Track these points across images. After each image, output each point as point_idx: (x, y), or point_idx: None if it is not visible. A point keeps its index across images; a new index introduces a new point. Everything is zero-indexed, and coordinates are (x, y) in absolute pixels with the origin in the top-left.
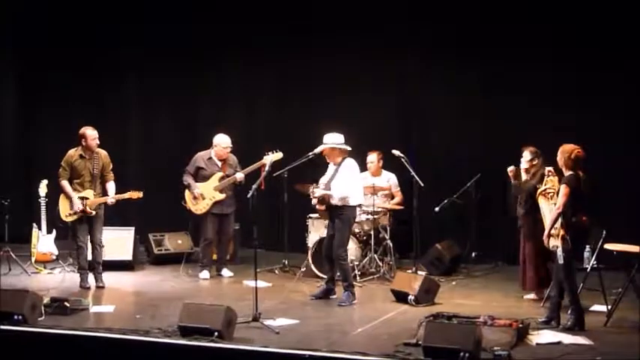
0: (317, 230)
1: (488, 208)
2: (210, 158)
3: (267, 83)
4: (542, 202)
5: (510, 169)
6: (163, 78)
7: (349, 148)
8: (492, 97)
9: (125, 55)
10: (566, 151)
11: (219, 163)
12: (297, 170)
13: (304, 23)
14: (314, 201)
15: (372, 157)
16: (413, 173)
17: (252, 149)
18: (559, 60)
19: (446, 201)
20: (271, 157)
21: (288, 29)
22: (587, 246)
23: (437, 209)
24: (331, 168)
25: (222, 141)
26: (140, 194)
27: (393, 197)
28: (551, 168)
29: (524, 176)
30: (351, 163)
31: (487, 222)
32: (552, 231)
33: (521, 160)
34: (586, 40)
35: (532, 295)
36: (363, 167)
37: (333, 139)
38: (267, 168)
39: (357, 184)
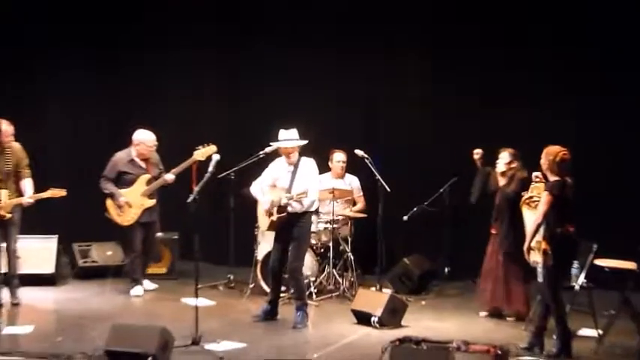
0: (267, 241)
1: (465, 216)
2: (131, 160)
3: (210, 76)
4: (526, 211)
5: (477, 151)
6: (94, 70)
7: (307, 141)
8: (469, 95)
9: (57, 50)
10: (550, 153)
11: (143, 164)
12: (246, 171)
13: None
14: (272, 209)
15: (342, 157)
16: (378, 176)
17: (189, 148)
18: (540, 58)
19: (416, 208)
20: (203, 152)
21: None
22: (575, 261)
23: (405, 218)
24: (283, 168)
25: (146, 138)
26: (63, 192)
27: (354, 203)
28: (538, 173)
29: (501, 181)
30: (311, 163)
31: (463, 233)
32: (533, 244)
33: (498, 162)
34: (566, 39)
35: (514, 317)
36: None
37: (293, 136)
38: (211, 164)
39: (317, 186)
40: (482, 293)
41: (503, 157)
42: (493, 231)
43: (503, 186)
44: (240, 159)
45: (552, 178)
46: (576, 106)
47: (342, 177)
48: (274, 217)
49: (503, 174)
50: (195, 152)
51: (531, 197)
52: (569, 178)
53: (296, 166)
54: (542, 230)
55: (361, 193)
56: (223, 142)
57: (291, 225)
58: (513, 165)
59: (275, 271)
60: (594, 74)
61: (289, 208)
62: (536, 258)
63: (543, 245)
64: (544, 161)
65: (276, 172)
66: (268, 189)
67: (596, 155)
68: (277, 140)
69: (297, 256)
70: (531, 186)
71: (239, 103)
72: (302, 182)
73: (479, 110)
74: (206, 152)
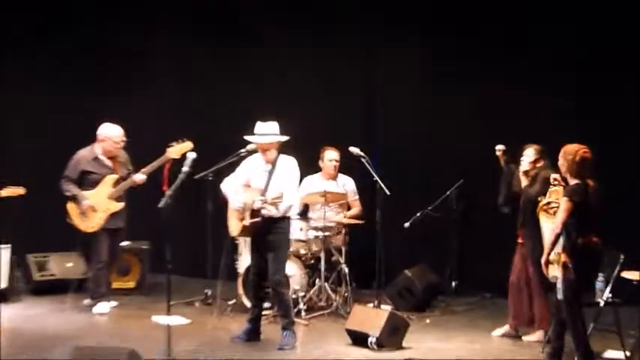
0: (250, 251)
1: (474, 223)
2: (96, 158)
3: (185, 64)
4: (543, 219)
5: (499, 147)
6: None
7: (287, 137)
8: (478, 87)
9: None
10: (569, 152)
11: (109, 163)
12: (226, 172)
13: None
14: (244, 212)
15: (335, 155)
16: (376, 177)
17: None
18: (556, 44)
19: (419, 214)
20: (177, 149)
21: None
22: (600, 275)
23: (407, 225)
24: (259, 166)
25: (113, 133)
26: (21, 191)
27: (349, 208)
28: (557, 176)
29: (523, 181)
30: (291, 162)
31: (473, 241)
32: (552, 257)
33: (522, 160)
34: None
35: (535, 337)
36: (307, 168)
37: (273, 130)
38: (186, 163)
39: (297, 189)
40: (509, 309)
41: (528, 155)
42: (520, 240)
43: (526, 187)
44: (220, 157)
45: (572, 181)
46: (601, 103)
47: (334, 178)
48: (246, 222)
49: (526, 173)
50: (169, 149)
51: (549, 203)
52: (591, 181)
53: (274, 164)
54: (561, 241)
55: (357, 197)
56: (200, 138)
57: (267, 232)
58: (539, 164)
59: (255, 286)
60: (621, 74)
61: (264, 212)
62: (555, 272)
63: (563, 258)
64: (562, 162)
65: (251, 170)
66: (242, 188)
67: (622, 154)
68: (253, 134)
69: (277, 268)
70: (549, 190)
71: (218, 93)
72: (279, 184)
73: (490, 103)
74: (181, 149)
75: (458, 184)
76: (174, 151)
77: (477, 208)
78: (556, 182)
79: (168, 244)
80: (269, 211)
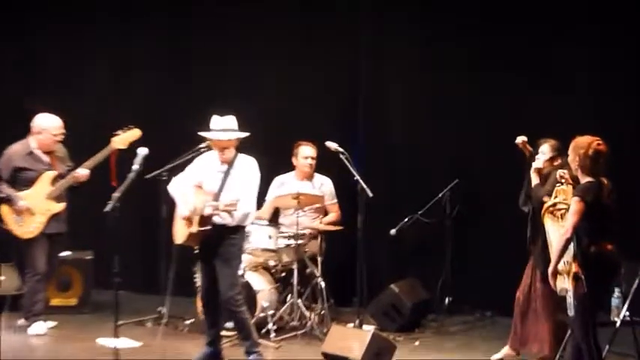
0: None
1: (471, 230)
2: (31, 152)
3: (136, 45)
4: (548, 222)
5: (521, 138)
6: None
7: (247, 134)
8: (478, 75)
9: None
10: (579, 146)
11: (46, 158)
12: (183, 170)
13: None
14: (192, 217)
15: (310, 151)
16: (357, 177)
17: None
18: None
19: (407, 219)
20: (124, 138)
21: None
22: (617, 289)
23: (393, 232)
24: (214, 166)
25: (50, 124)
26: None
27: (326, 213)
28: (564, 171)
29: (534, 180)
30: (251, 163)
31: (470, 251)
32: (560, 267)
33: (537, 157)
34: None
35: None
36: (278, 166)
37: (229, 125)
38: (137, 160)
39: (255, 194)
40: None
41: (544, 151)
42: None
43: (536, 186)
44: (175, 153)
45: (584, 178)
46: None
47: (310, 178)
48: (193, 229)
49: (539, 171)
50: (114, 139)
51: (556, 205)
52: (606, 179)
53: (231, 165)
54: (571, 248)
55: (335, 200)
56: (153, 131)
57: (218, 242)
58: (557, 162)
59: (208, 303)
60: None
61: (216, 219)
62: (564, 285)
63: (574, 268)
64: (573, 156)
65: (204, 170)
66: (192, 190)
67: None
68: (209, 129)
69: (229, 283)
70: (556, 189)
71: (173, 79)
72: (235, 188)
73: (489, 91)
74: (128, 138)
75: (452, 184)
76: (120, 140)
77: (474, 213)
78: (564, 180)
79: (116, 255)
80: (222, 218)
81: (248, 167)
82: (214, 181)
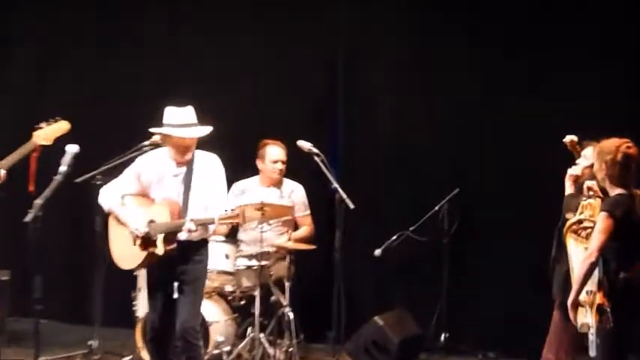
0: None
1: (473, 250)
2: None
3: (67, 27)
4: (571, 243)
5: (570, 139)
6: None
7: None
8: (478, 66)
9: None
10: (606, 151)
11: None
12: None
13: None
14: (154, 236)
15: (279, 153)
16: (335, 184)
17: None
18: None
19: (395, 237)
20: (47, 132)
21: None
22: None
23: (378, 252)
24: (167, 169)
25: None
26: None
27: (297, 227)
28: (592, 183)
29: (567, 189)
30: (214, 161)
31: (471, 276)
32: (582, 297)
33: (577, 162)
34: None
35: None
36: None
37: (191, 118)
38: (65, 160)
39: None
40: None
41: (587, 156)
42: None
43: (568, 196)
44: (112, 153)
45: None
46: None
47: (278, 185)
48: (159, 251)
49: (575, 179)
50: (36, 133)
51: (581, 221)
52: (638, 190)
53: (190, 167)
54: (596, 274)
55: (308, 211)
56: (84, 126)
57: (181, 261)
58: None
59: (155, 338)
60: None
61: (182, 235)
62: (586, 320)
63: (598, 299)
64: (598, 165)
65: (150, 174)
66: (133, 200)
67: None
68: (163, 124)
69: (192, 311)
70: (581, 203)
71: (111, 67)
72: (203, 195)
73: (489, 90)
74: (53, 132)
75: (451, 195)
76: (44, 134)
77: (477, 229)
78: (591, 192)
79: (38, 275)
80: (190, 233)
81: (212, 166)
82: (170, 189)
